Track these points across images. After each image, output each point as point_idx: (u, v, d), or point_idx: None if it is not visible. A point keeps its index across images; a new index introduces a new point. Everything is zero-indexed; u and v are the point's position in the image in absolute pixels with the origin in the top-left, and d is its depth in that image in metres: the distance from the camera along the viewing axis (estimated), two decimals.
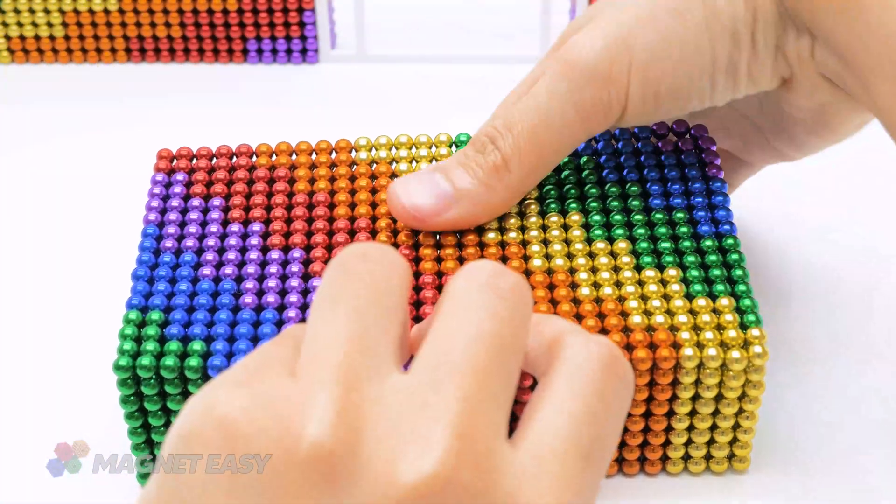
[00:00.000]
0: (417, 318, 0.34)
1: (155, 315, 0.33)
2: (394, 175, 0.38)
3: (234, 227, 0.36)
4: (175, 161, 0.39)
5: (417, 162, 0.38)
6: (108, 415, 0.36)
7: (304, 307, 0.34)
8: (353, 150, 0.39)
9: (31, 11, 0.55)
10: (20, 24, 0.55)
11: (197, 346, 0.32)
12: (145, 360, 0.32)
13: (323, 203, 0.37)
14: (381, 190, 0.37)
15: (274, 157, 0.38)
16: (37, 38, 0.55)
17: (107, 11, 0.54)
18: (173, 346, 0.33)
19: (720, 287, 0.33)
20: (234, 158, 0.39)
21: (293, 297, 0.34)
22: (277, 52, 0.55)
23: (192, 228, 0.36)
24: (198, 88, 0.55)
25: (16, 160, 0.50)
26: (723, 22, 0.34)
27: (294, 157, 0.39)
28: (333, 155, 0.38)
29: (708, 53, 0.34)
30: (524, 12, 0.57)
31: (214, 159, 0.39)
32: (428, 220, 0.35)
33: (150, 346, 0.32)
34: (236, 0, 0.54)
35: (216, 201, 0.37)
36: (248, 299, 0.34)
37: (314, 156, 0.39)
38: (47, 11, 0.54)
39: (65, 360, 0.40)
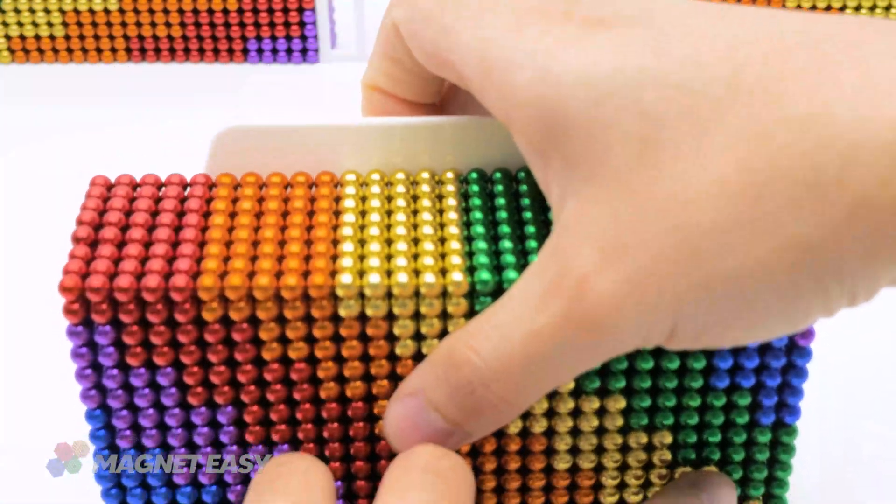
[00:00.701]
0: None
1: None
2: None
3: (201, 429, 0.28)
4: (87, 291, 0.27)
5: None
6: None
7: None
8: (335, 298, 0.25)
9: (31, 11, 0.55)
10: (20, 24, 0.55)
11: None
12: None
13: (302, 376, 0.27)
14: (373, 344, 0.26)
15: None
16: (37, 38, 0.55)
17: (107, 11, 0.54)
18: None
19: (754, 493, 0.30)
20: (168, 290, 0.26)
21: None
22: (277, 52, 0.55)
23: (148, 425, 0.28)
24: (198, 88, 0.55)
25: (16, 160, 0.50)
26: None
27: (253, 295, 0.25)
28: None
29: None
30: None
31: (141, 292, 0.27)
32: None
33: None
34: (236, 0, 0.54)
35: (168, 371, 0.27)
36: None
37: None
38: (47, 11, 0.55)
39: (65, 359, 0.40)
